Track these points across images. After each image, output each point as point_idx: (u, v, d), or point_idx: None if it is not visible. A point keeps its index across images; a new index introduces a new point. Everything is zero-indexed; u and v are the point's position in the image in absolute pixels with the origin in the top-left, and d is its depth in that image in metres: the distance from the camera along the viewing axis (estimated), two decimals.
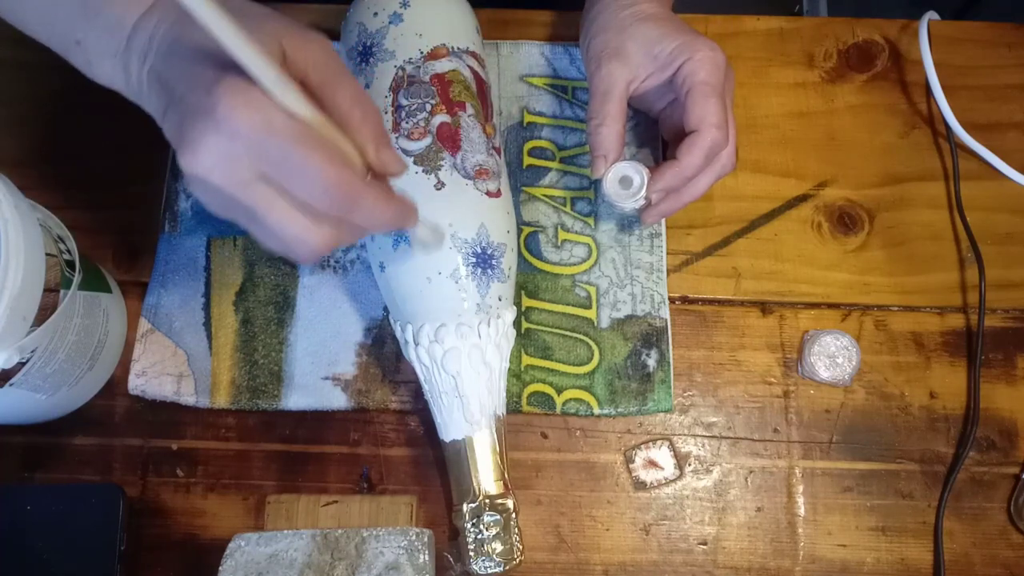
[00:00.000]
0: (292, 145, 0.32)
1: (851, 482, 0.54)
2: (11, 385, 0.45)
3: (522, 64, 0.62)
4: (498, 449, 0.49)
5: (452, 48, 0.52)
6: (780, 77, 0.63)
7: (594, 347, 0.55)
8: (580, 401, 0.54)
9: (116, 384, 0.54)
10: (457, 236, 0.48)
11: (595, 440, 0.54)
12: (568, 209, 0.59)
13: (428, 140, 0.49)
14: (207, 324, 0.55)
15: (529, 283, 0.57)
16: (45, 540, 0.48)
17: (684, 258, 0.58)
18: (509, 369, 0.53)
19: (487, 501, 0.48)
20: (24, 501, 0.49)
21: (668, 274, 0.57)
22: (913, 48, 0.63)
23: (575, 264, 0.57)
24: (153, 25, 0.37)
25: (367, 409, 0.54)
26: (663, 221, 0.58)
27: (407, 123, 0.50)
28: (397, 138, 0.50)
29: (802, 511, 0.53)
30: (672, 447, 0.54)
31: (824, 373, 0.54)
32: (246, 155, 0.32)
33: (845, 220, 0.59)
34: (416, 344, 0.49)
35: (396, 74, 0.51)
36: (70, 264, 0.48)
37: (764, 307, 0.57)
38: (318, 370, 0.54)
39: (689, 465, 0.54)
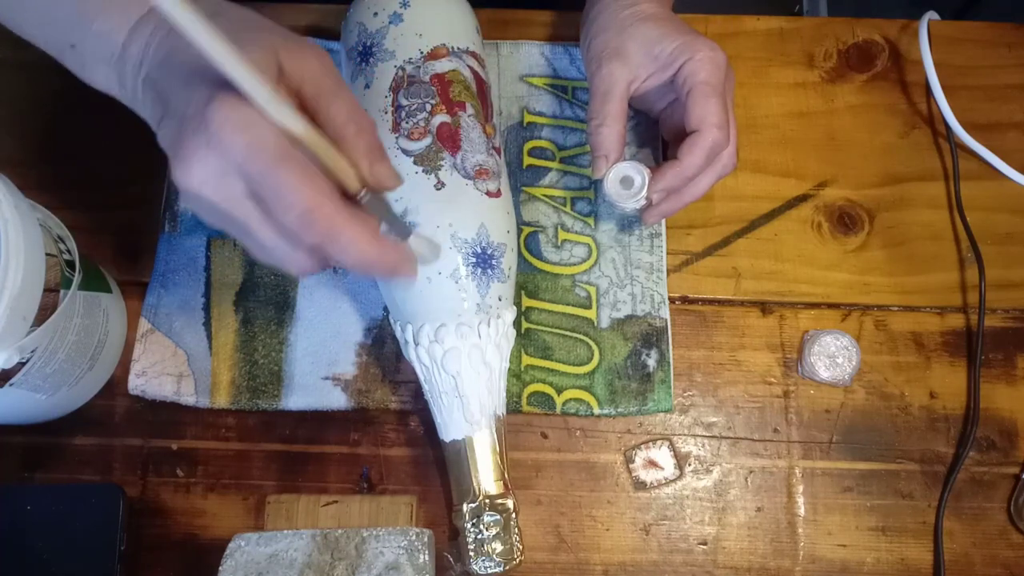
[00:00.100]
0: (274, 166, 0.32)
1: (851, 482, 0.54)
2: (11, 385, 0.45)
3: (522, 64, 0.62)
4: (498, 449, 0.49)
5: (452, 48, 0.52)
6: (780, 77, 0.63)
7: (594, 347, 0.55)
8: (580, 401, 0.54)
9: (116, 384, 0.54)
10: (457, 236, 0.48)
11: (595, 440, 0.54)
12: (568, 209, 0.59)
13: (428, 140, 0.49)
14: (207, 324, 0.55)
15: (529, 283, 0.57)
16: (45, 540, 0.48)
17: (684, 258, 0.58)
18: (509, 369, 0.53)
19: (487, 501, 0.48)
20: (24, 501, 0.49)
21: (668, 274, 0.57)
22: (913, 48, 0.63)
23: (575, 264, 0.57)
24: (148, 34, 0.37)
25: (367, 409, 0.54)
26: (663, 221, 0.58)
27: (407, 123, 0.50)
28: (397, 138, 0.50)
29: (802, 511, 0.53)
30: (672, 447, 0.54)
31: (824, 373, 0.54)
32: (237, 172, 0.32)
33: (845, 220, 0.59)
34: (416, 344, 0.49)
35: (396, 74, 0.51)
36: (70, 264, 0.47)
37: (764, 307, 0.57)
38: (318, 370, 0.54)
39: (689, 465, 0.54)
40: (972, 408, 0.55)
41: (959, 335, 0.57)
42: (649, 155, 0.60)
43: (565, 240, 0.58)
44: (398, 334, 0.51)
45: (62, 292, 0.46)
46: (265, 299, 0.56)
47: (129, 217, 0.58)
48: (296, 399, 0.54)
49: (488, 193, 0.49)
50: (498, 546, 0.48)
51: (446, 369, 0.48)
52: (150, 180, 0.58)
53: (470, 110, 0.51)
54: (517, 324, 0.55)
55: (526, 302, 0.56)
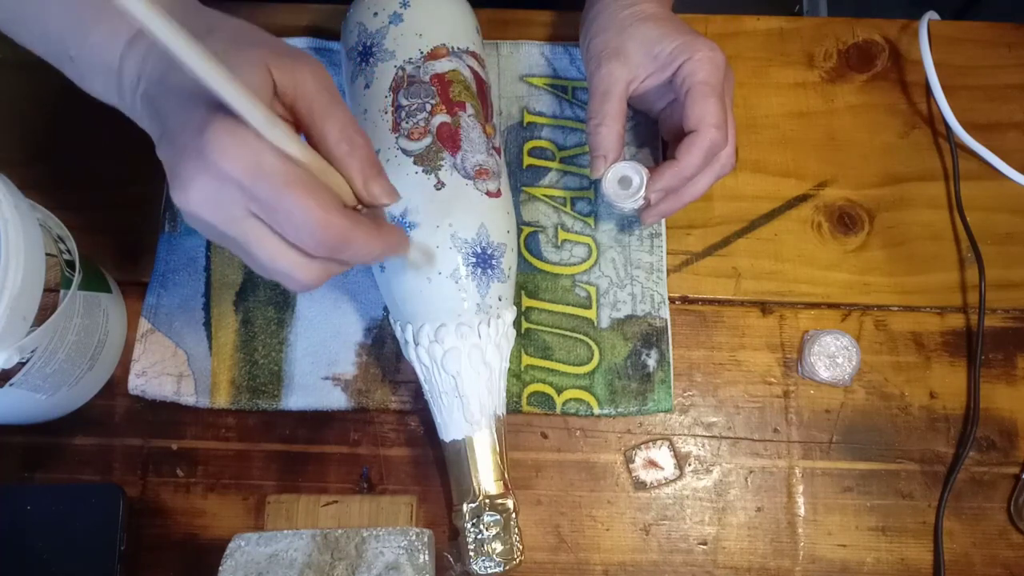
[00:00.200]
0: (281, 189, 0.32)
1: (851, 482, 0.54)
2: (11, 385, 0.45)
3: (522, 64, 0.62)
4: (498, 449, 0.49)
5: (452, 48, 0.52)
6: (780, 77, 0.63)
7: (594, 347, 0.55)
8: (580, 401, 0.54)
9: (116, 384, 0.54)
10: (457, 236, 0.48)
11: (595, 440, 0.54)
12: (568, 209, 0.59)
13: (428, 140, 0.49)
14: (207, 324, 0.55)
15: (529, 283, 0.57)
16: (45, 540, 0.48)
17: (684, 258, 0.58)
18: (509, 369, 0.53)
19: (487, 501, 0.48)
20: (24, 501, 0.49)
21: (668, 274, 0.57)
22: (913, 48, 0.63)
23: (575, 264, 0.57)
24: (145, 48, 0.37)
25: (367, 409, 0.54)
26: (663, 221, 0.58)
27: (407, 123, 0.50)
28: (397, 138, 0.50)
29: (802, 511, 0.53)
30: (672, 447, 0.54)
31: (824, 373, 0.54)
32: (237, 194, 0.33)
33: (845, 220, 0.59)
34: (416, 344, 0.49)
35: (396, 74, 0.51)
36: (70, 264, 0.48)
37: (764, 307, 0.57)
38: (318, 370, 0.54)
39: (689, 465, 0.54)
40: (972, 408, 0.55)
41: (959, 335, 0.57)
42: (648, 155, 0.60)
43: (565, 240, 0.58)
44: (398, 334, 0.51)
45: (62, 292, 0.46)
46: (265, 299, 0.56)
47: (129, 217, 0.58)
48: (296, 399, 0.54)
49: (488, 193, 0.49)
50: (498, 546, 0.48)
51: (446, 369, 0.48)
52: (150, 180, 0.58)
53: (470, 110, 0.51)
54: (517, 324, 0.55)
55: (526, 302, 0.56)
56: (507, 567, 0.48)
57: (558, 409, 0.54)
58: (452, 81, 0.51)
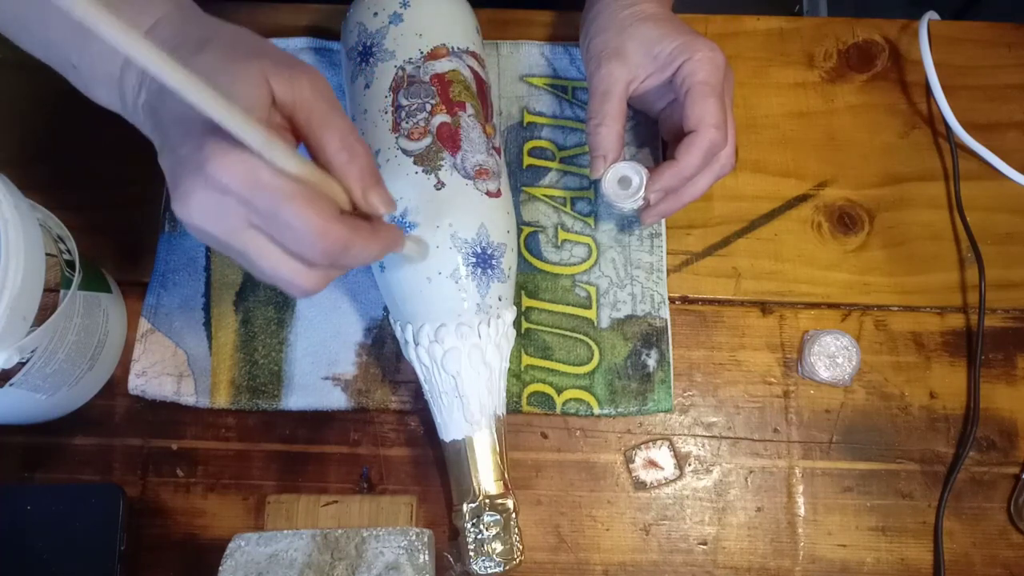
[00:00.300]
0: (280, 201, 0.32)
1: (851, 482, 0.54)
2: (11, 385, 0.45)
3: (522, 64, 0.62)
4: (498, 449, 0.49)
5: (452, 48, 0.52)
6: (780, 77, 0.63)
7: (594, 347, 0.55)
8: (580, 401, 0.54)
9: (116, 384, 0.54)
10: (457, 236, 0.48)
11: (595, 440, 0.54)
12: (568, 209, 0.59)
13: (428, 140, 0.49)
14: (207, 324, 0.55)
15: (529, 283, 0.57)
16: (45, 540, 0.48)
17: (684, 258, 0.58)
18: (509, 369, 0.53)
19: (487, 501, 0.48)
20: (24, 501, 0.49)
21: (668, 274, 0.57)
22: (913, 48, 0.63)
23: (575, 264, 0.57)
24: None
25: (367, 409, 0.54)
26: (663, 221, 0.58)
27: (407, 123, 0.50)
28: (397, 138, 0.50)
29: (802, 511, 0.53)
30: (672, 447, 0.54)
31: (824, 373, 0.54)
32: (236, 207, 0.33)
33: (845, 220, 0.59)
34: (416, 344, 0.49)
35: (396, 74, 0.51)
36: (70, 264, 0.48)
37: (764, 307, 0.57)
38: (318, 370, 0.54)
39: (689, 465, 0.54)
40: (972, 408, 0.55)
41: (959, 335, 0.57)
42: (648, 155, 0.60)
43: (565, 240, 0.58)
44: (398, 334, 0.51)
45: (62, 292, 0.46)
46: (265, 299, 0.56)
47: (129, 217, 0.58)
48: (296, 399, 0.54)
49: (488, 193, 0.49)
50: (498, 546, 0.48)
51: (446, 369, 0.48)
52: (150, 180, 0.58)
53: (470, 110, 0.51)
54: (517, 324, 0.55)
55: (526, 302, 0.56)
56: (507, 567, 0.48)
57: (558, 409, 0.54)
58: (452, 81, 0.51)
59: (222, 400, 0.54)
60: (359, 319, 0.56)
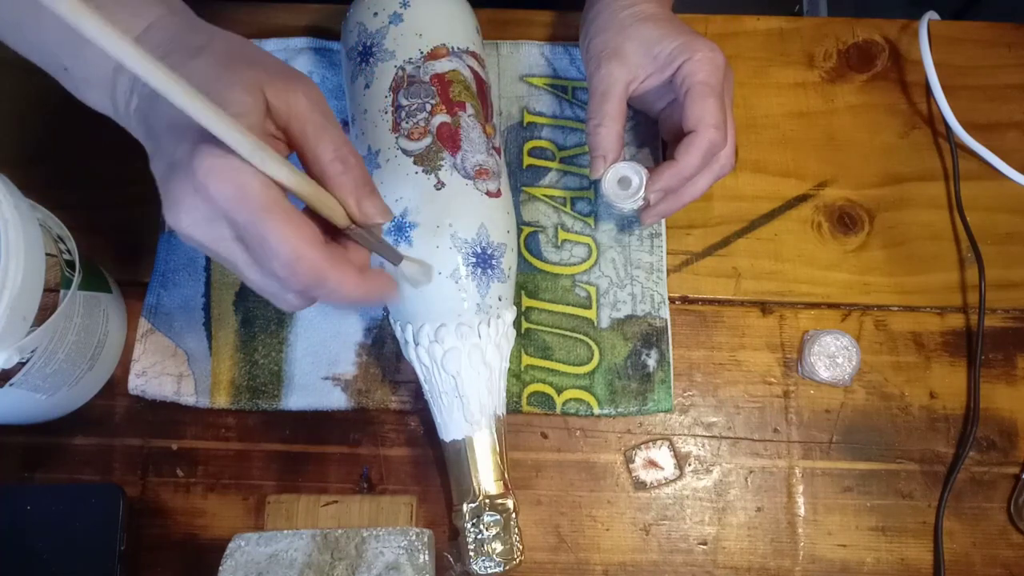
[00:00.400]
0: (260, 219, 0.32)
1: (851, 482, 0.54)
2: (11, 385, 0.45)
3: (522, 64, 0.62)
4: (498, 449, 0.49)
5: (452, 48, 0.52)
6: (780, 77, 0.63)
7: (594, 347, 0.55)
8: (580, 401, 0.54)
9: (116, 384, 0.54)
10: (457, 236, 0.48)
11: (595, 440, 0.54)
12: (568, 209, 0.59)
13: (428, 140, 0.49)
14: (207, 324, 0.55)
15: (529, 283, 0.57)
16: (45, 540, 0.48)
17: (684, 258, 0.58)
18: (509, 369, 0.53)
19: (487, 501, 0.48)
20: (24, 501, 0.49)
21: (668, 274, 0.57)
22: (913, 48, 0.63)
23: (575, 264, 0.57)
24: None
25: (367, 409, 0.54)
26: (663, 221, 0.58)
27: (407, 123, 0.50)
28: (397, 138, 0.50)
29: (802, 511, 0.53)
30: (672, 447, 0.54)
31: (824, 373, 0.54)
32: (224, 218, 0.33)
33: (845, 220, 0.59)
34: (416, 344, 0.49)
35: (396, 74, 0.51)
36: (70, 264, 0.48)
37: (764, 307, 0.57)
38: (318, 370, 0.54)
39: (689, 465, 0.54)
40: (972, 408, 0.55)
41: (959, 335, 0.57)
42: (648, 155, 0.60)
43: (565, 240, 0.58)
44: (398, 334, 0.51)
45: (62, 292, 0.46)
46: (265, 299, 0.56)
47: (129, 217, 0.58)
48: (296, 399, 0.54)
49: (488, 193, 0.49)
50: (498, 546, 0.48)
51: (446, 369, 0.48)
52: (150, 180, 0.57)
53: (470, 110, 0.51)
54: (517, 324, 0.55)
55: (526, 302, 0.56)
56: (507, 567, 0.48)
57: (558, 409, 0.54)
58: (452, 81, 0.51)
59: (222, 400, 0.54)
60: (359, 319, 0.56)
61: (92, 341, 0.50)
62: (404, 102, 0.50)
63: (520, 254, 0.56)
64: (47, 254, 0.44)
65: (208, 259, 0.57)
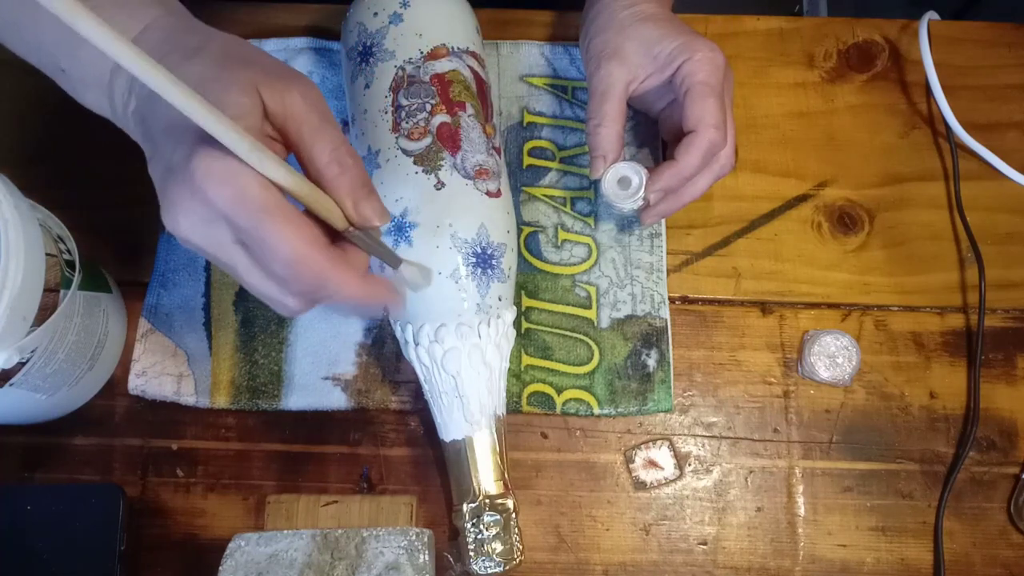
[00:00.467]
0: (262, 219, 0.32)
1: (851, 482, 0.54)
2: (11, 385, 0.45)
3: (522, 64, 0.62)
4: (498, 449, 0.49)
5: (452, 48, 0.52)
6: (780, 77, 0.63)
7: (594, 347, 0.55)
8: (580, 401, 0.54)
9: (116, 384, 0.54)
10: (457, 236, 0.48)
11: (595, 440, 0.54)
12: (568, 209, 0.59)
13: (428, 140, 0.49)
14: (207, 324, 0.55)
15: (529, 283, 0.57)
16: (45, 540, 0.48)
17: (684, 258, 0.58)
18: (509, 369, 0.53)
19: (487, 501, 0.48)
20: (24, 501, 0.49)
21: (668, 274, 0.57)
22: (913, 48, 0.63)
23: (575, 264, 0.57)
24: None
25: (367, 409, 0.54)
26: (663, 221, 0.58)
27: (407, 123, 0.50)
28: (397, 138, 0.50)
29: (802, 511, 0.53)
30: (672, 447, 0.54)
31: (824, 373, 0.54)
32: (223, 221, 0.33)
33: (845, 220, 0.59)
34: (416, 344, 0.49)
35: (396, 74, 0.51)
36: (70, 264, 0.48)
37: (764, 307, 0.57)
38: (318, 370, 0.54)
39: (689, 465, 0.54)
40: (972, 408, 0.55)
41: (959, 335, 0.57)
42: (648, 155, 0.60)
43: (565, 240, 0.58)
44: (398, 334, 0.51)
45: (62, 292, 0.46)
46: None
47: (129, 217, 0.58)
48: (296, 399, 0.54)
49: (488, 193, 0.49)
50: (498, 546, 0.48)
51: (446, 369, 0.48)
52: (150, 180, 0.58)
53: (470, 110, 0.51)
54: (517, 324, 0.55)
55: (526, 302, 0.56)
56: (507, 567, 0.48)
57: (558, 409, 0.54)
58: (452, 81, 0.51)
59: (222, 400, 0.54)
60: (359, 319, 0.56)
61: (92, 341, 0.50)
62: (404, 102, 0.50)
63: (520, 254, 0.56)
64: (47, 254, 0.44)
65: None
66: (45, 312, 0.44)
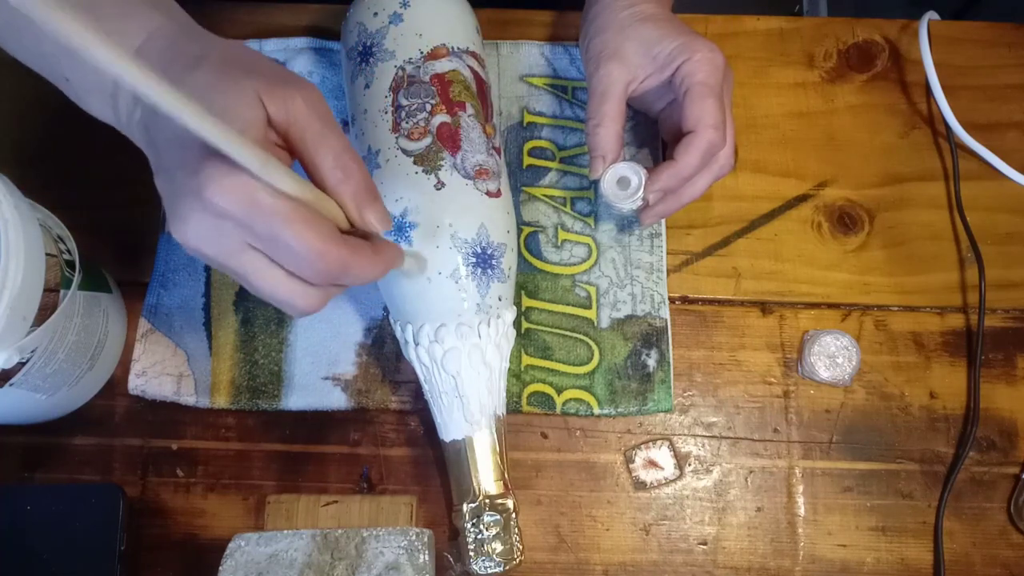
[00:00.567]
0: (279, 224, 0.32)
1: (851, 482, 0.54)
2: (11, 385, 0.45)
3: (522, 64, 0.62)
4: (498, 449, 0.49)
5: (452, 48, 0.52)
6: (780, 77, 0.63)
7: (594, 347, 0.55)
8: (580, 401, 0.54)
9: (116, 384, 0.54)
10: (457, 236, 0.48)
11: (595, 440, 0.54)
12: (568, 209, 0.59)
13: (428, 140, 0.49)
14: (207, 324, 0.55)
15: (529, 283, 0.57)
16: (45, 540, 0.48)
17: (684, 258, 0.58)
18: (509, 369, 0.53)
19: (487, 501, 0.48)
20: (24, 501, 0.49)
21: (668, 274, 0.57)
22: (913, 48, 0.63)
23: (575, 264, 0.57)
24: None
25: (367, 409, 0.54)
26: (663, 221, 0.58)
27: (407, 123, 0.50)
28: (397, 138, 0.50)
29: (802, 511, 0.53)
30: (672, 447, 0.54)
31: (824, 373, 0.54)
32: (234, 230, 0.33)
33: (845, 220, 0.59)
34: (416, 344, 0.49)
35: (396, 74, 0.51)
36: (70, 264, 0.48)
37: (764, 307, 0.57)
38: (318, 370, 0.54)
39: (689, 465, 0.54)
40: (972, 408, 0.55)
41: (959, 335, 0.57)
42: (648, 155, 0.60)
43: (565, 240, 0.58)
44: (398, 334, 0.51)
45: (62, 292, 0.46)
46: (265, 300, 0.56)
47: (129, 217, 0.58)
48: (296, 399, 0.54)
49: (488, 193, 0.49)
50: (498, 546, 0.48)
51: (446, 369, 0.48)
52: (150, 180, 0.58)
53: (470, 110, 0.51)
54: (517, 324, 0.55)
55: (526, 302, 0.56)
56: (507, 567, 0.48)
57: (558, 409, 0.54)
58: (452, 81, 0.51)
59: (222, 400, 0.54)
60: (359, 319, 0.56)
61: (92, 341, 0.50)
62: (404, 102, 0.50)
63: (520, 254, 0.56)
64: (47, 254, 0.44)
65: None
66: (45, 312, 0.44)
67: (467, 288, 0.48)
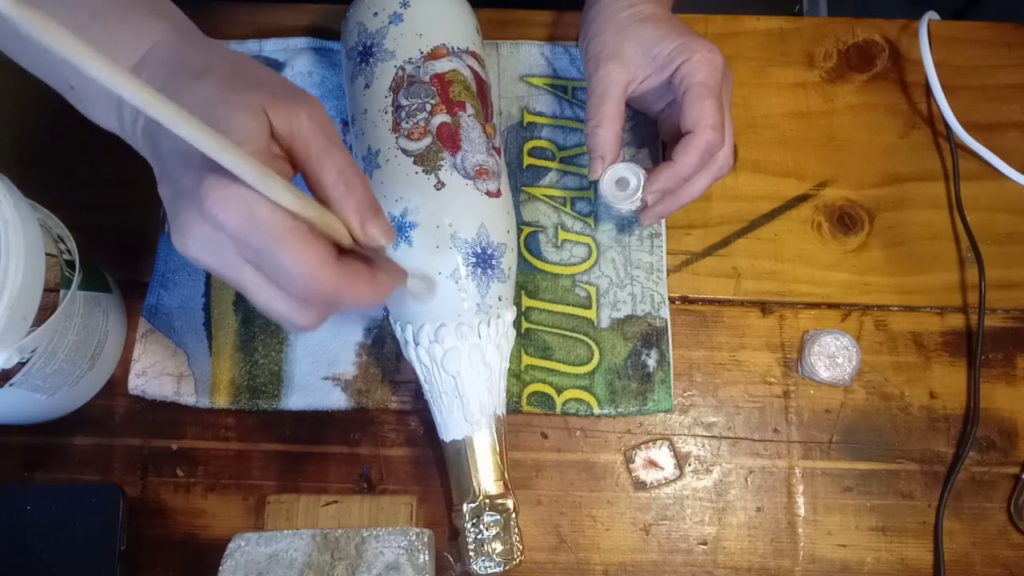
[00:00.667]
0: (274, 242, 0.32)
1: (851, 482, 0.54)
2: (11, 385, 0.45)
3: (522, 64, 0.62)
4: (498, 449, 0.49)
5: (452, 48, 0.52)
6: (780, 77, 0.63)
7: (594, 347, 0.55)
8: (580, 401, 0.54)
9: (116, 384, 0.54)
10: (457, 236, 0.48)
11: (595, 440, 0.54)
12: (568, 209, 0.59)
13: (428, 140, 0.49)
14: (207, 324, 0.55)
15: (529, 283, 0.57)
16: (45, 540, 0.48)
17: (684, 258, 0.58)
18: (509, 369, 0.53)
19: (487, 501, 0.48)
20: (24, 501, 0.49)
21: (668, 274, 0.57)
22: (913, 48, 0.63)
23: (575, 264, 0.57)
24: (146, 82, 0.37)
25: (367, 409, 0.54)
26: (663, 221, 0.58)
27: (407, 123, 0.50)
28: (397, 138, 0.50)
29: (802, 511, 0.53)
30: (672, 447, 0.54)
31: (824, 373, 0.54)
32: (232, 243, 0.33)
33: (845, 220, 0.59)
34: (416, 344, 0.49)
35: (396, 74, 0.51)
36: (70, 264, 0.48)
37: (764, 307, 0.57)
38: (318, 370, 0.54)
39: (689, 465, 0.54)
40: (972, 408, 0.55)
41: (959, 335, 0.57)
42: (648, 156, 0.60)
43: (565, 240, 0.58)
44: (398, 334, 0.51)
45: (62, 292, 0.46)
46: None
47: (129, 217, 0.58)
48: (296, 399, 0.54)
49: (488, 193, 0.49)
50: (498, 546, 0.48)
51: (446, 369, 0.48)
52: (150, 180, 0.58)
53: (470, 110, 0.51)
54: (517, 324, 0.55)
55: (526, 302, 0.56)
56: (507, 567, 0.48)
57: (558, 409, 0.54)
58: (452, 81, 0.51)
59: (222, 400, 0.54)
60: (359, 319, 0.56)
61: (92, 341, 0.50)
62: (404, 102, 0.50)
63: (520, 254, 0.56)
64: (47, 254, 0.44)
65: None
66: (45, 312, 0.44)
67: (467, 288, 0.48)
